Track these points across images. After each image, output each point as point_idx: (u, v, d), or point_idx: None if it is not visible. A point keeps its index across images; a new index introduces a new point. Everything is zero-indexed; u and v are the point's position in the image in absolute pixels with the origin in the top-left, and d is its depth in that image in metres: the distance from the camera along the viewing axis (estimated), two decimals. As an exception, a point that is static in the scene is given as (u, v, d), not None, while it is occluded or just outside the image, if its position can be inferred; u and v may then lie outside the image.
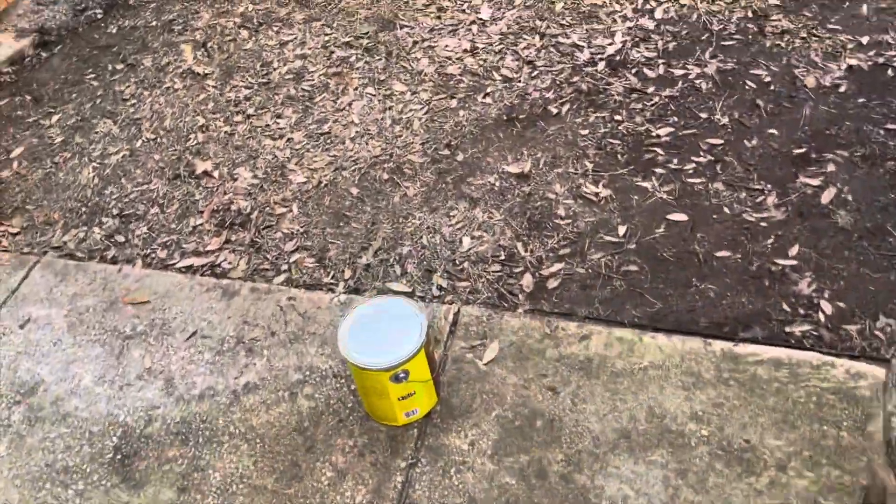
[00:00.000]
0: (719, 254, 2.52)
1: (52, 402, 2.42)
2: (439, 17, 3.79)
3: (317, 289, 2.65)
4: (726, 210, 2.65)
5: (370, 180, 3.02)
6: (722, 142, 2.89)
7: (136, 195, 3.18)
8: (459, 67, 3.46)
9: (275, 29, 3.93)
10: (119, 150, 3.40)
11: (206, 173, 3.20)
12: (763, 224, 2.58)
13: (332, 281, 2.68)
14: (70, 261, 2.90)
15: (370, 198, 2.96)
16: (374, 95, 3.41)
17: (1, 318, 2.71)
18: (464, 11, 3.80)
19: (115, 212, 3.12)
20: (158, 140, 3.42)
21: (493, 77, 3.38)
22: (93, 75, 3.88)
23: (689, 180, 2.77)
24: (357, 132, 3.24)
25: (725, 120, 2.97)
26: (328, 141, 3.23)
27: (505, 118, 3.17)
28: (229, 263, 2.82)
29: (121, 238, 3.00)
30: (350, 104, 3.39)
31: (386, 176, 3.02)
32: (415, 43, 3.66)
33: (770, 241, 2.53)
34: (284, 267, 2.77)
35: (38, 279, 2.84)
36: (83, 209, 3.17)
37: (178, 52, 3.89)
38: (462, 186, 2.92)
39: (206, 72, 3.73)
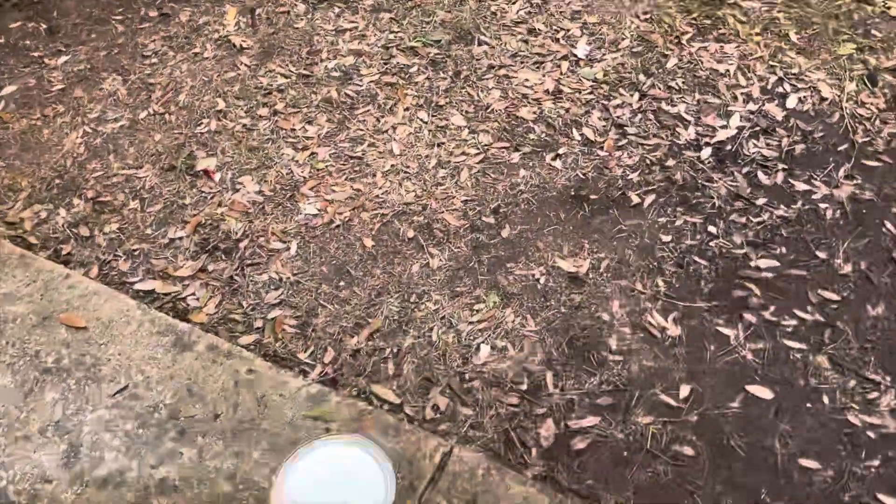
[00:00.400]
0: (805, 462, 1.90)
1: (-69, 437, 1.94)
2: (527, 42, 3.17)
3: (287, 366, 2.11)
4: (825, 399, 2.02)
5: (391, 234, 2.45)
6: (838, 299, 2.24)
7: (120, 180, 2.67)
8: (535, 112, 2.85)
9: (336, 10, 3.35)
10: (119, 118, 2.89)
11: (206, 173, 2.67)
12: (870, 434, 1.95)
13: (308, 360, 2.13)
14: (18, 247, 2.41)
15: (385, 257, 2.39)
16: (426, 124, 2.82)
17: (-86, 303, 2.24)
18: (558, 41, 3.16)
19: (90, 194, 2.62)
20: (166, 116, 2.89)
21: (572, 135, 2.76)
22: (120, 17, 3.36)
23: (786, 342, 2.14)
24: (393, 166, 2.66)
25: (848, 268, 2.31)
26: (357, 169, 2.66)
27: (573, 193, 2.56)
28: (196, 300, 2.29)
29: (85, 231, 2.50)
30: (395, 128, 2.81)
31: (411, 233, 2.45)
32: (490, 67, 3.05)
33: (876, 462, 1.90)
34: (258, 323, 2.23)
35: (-27, 261, 2.35)
36: (56, 181, 2.67)
37: (220, 13, 3.35)
38: (498, 272, 2.33)
39: (245, 45, 3.18)
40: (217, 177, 2.65)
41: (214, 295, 2.30)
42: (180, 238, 2.46)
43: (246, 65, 3.08)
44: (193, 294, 2.31)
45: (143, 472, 1.87)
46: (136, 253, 2.43)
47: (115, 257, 2.42)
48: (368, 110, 2.88)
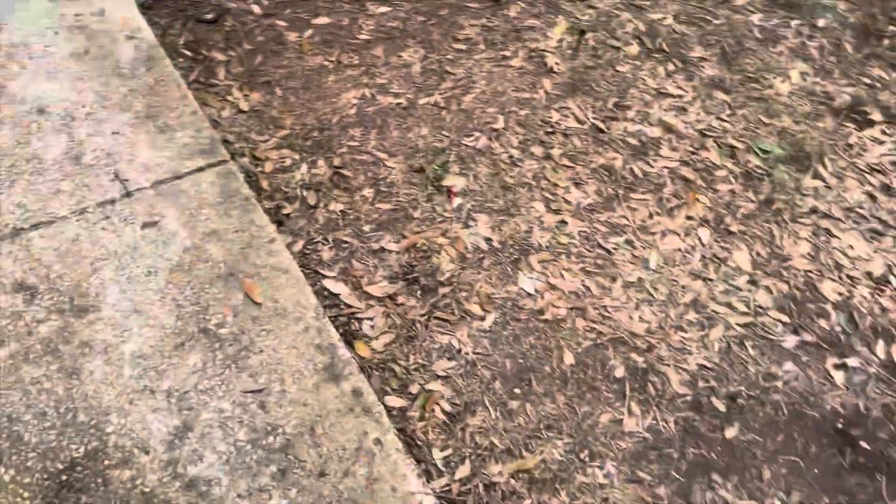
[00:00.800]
0: None
1: (79, 345, 1.95)
2: (874, 199, 2.51)
3: (416, 457, 1.84)
4: None
5: (598, 361, 2.06)
6: None
7: (369, 160, 2.52)
8: (841, 294, 2.24)
9: (669, 67, 2.90)
10: (401, 95, 2.74)
11: (449, 192, 2.44)
12: None
13: (440, 463, 1.85)
14: (247, 189, 2.36)
15: (578, 386, 2.01)
16: (703, 247, 2.33)
17: (141, 200, 2.28)
18: (914, 214, 2.47)
19: (336, 161, 2.51)
20: (443, 113, 2.69)
21: (874, 347, 2.13)
22: (454, -12, 3.20)
23: None
24: (640, 280, 2.24)
25: None
26: (599, 263, 2.27)
27: (839, 426, 1.97)
28: (371, 328, 2.09)
29: (312, 199, 2.39)
30: (665, 234, 2.36)
31: (621, 372, 2.03)
32: (813, 211, 2.45)
33: None
34: (414, 389, 1.98)
35: (205, 183, 2.34)
36: (315, 134, 2.59)
37: (550, 22, 3.05)
38: (697, 480, 1.85)
39: (556, 68, 2.86)
40: (456, 202, 2.41)
41: (390, 331, 2.08)
42: (390, 251, 2.27)
43: (545, 91, 2.77)
44: (371, 320, 2.11)
45: (228, 496, 1.73)
46: (343, 246, 2.28)
47: (324, 241, 2.29)
48: (646, 199, 2.45)
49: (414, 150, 2.55)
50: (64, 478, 1.70)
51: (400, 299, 2.16)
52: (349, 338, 2.07)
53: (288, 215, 2.34)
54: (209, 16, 2.99)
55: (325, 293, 2.16)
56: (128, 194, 2.28)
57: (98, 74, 2.61)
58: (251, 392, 1.91)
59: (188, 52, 2.82)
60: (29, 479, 1.70)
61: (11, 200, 2.22)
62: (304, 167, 2.48)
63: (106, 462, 1.75)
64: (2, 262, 2.08)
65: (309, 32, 2.94)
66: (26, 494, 1.67)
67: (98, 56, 2.68)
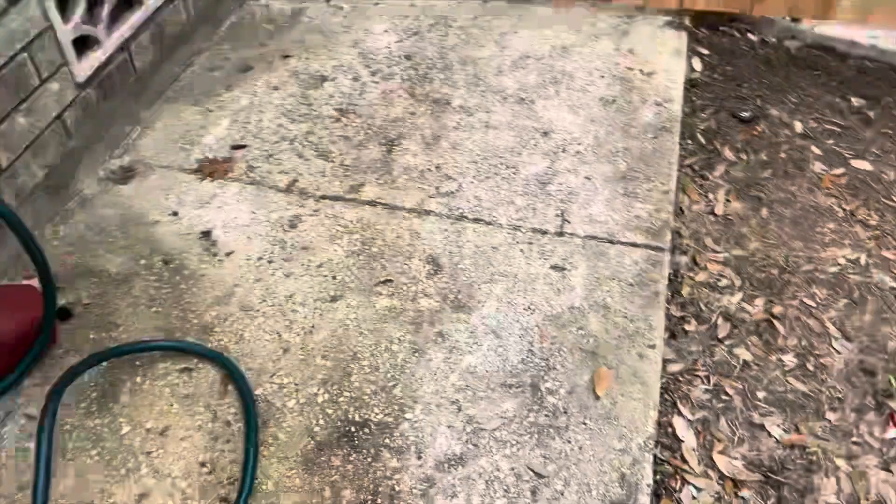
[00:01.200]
0: None
1: (437, 333, 2.05)
2: None
3: None
4: None
5: None
6: None
7: (815, 328, 2.08)
8: None
9: None
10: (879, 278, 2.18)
11: (892, 415, 1.86)
12: None
13: None
14: (664, 286, 2.17)
15: None
16: None
17: (566, 244, 2.28)
18: None
19: (776, 310, 2.13)
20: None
21: None
22: None
23: None
24: None
25: None
26: None
27: None
28: (693, 498, 1.74)
29: (724, 330, 2.08)
30: None
31: None
32: None
33: None
34: None
35: (630, 259, 2.22)
36: (773, 271, 2.24)
37: None
38: None
39: None
40: (893, 433, 1.82)
41: (707, 518, 1.70)
42: (770, 436, 1.84)
43: None
44: (698, 491, 1.75)
45: (447, 546, 1.64)
46: (723, 397, 1.93)
47: (704, 381, 1.97)
48: None
49: (877, 348, 2.01)
50: (352, 429, 1.83)
51: (744, 491, 1.74)
52: (661, 491, 1.75)
53: (686, 332, 2.09)
54: (746, 114, 2.83)
55: (668, 430, 1.87)
56: (560, 234, 2.32)
57: (609, 123, 2.70)
58: (534, 472, 1.76)
59: (701, 138, 2.72)
60: (331, 411, 1.88)
61: (475, 191, 2.46)
62: (737, 296, 2.18)
63: (386, 441, 1.82)
64: (436, 235, 2.32)
65: (840, 171, 2.55)
66: (321, 422, 1.85)
67: (620, 108, 2.77)
